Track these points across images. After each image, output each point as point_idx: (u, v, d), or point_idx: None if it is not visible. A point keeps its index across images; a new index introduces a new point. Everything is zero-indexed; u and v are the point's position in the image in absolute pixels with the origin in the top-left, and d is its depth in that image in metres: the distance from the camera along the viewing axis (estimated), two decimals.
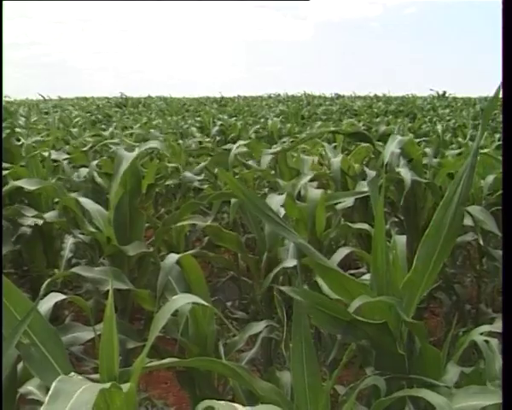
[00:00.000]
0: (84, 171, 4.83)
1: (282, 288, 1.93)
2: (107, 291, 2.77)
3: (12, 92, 27.82)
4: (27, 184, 3.22)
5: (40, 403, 1.89)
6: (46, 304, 1.75)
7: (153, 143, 3.85)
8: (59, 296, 1.79)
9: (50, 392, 1.17)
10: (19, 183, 3.24)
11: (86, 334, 2.10)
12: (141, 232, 3.03)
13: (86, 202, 3.00)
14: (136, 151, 3.16)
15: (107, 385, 1.31)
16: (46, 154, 4.35)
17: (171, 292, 2.49)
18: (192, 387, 2.38)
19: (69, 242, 3.66)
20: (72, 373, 1.36)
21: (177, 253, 2.64)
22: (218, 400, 2.20)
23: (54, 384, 1.20)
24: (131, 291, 2.60)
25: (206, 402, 1.43)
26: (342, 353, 2.35)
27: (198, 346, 2.32)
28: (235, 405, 1.32)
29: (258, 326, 2.65)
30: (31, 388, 1.85)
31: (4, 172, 3.70)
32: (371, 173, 3.60)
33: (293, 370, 1.74)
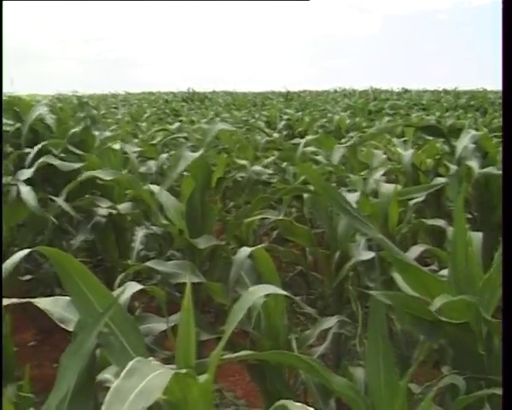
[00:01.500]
0: (152, 164, 4.89)
1: (374, 291, 1.89)
2: (179, 284, 2.80)
3: (81, 87, 28.46)
4: (103, 175, 3.27)
5: None
6: (125, 293, 1.77)
7: (222, 125, 3.82)
8: (136, 286, 1.82)
9: (126, 369, 1.20)
10: (94, 173, 3.29)
11: (160, 325, 2.12)
12: (212, 226, 3.04)
13: (161, 194, 3.03)
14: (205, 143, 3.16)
15: (183, 371, 1.32)
16: (117, 146, 4.43)
17: (243, 285, 2.50)
18: (263, 381, 2.38)
19: (139, 234, 3.71)
20: (151, 358, 1.37)
21: (246, 247, 2.65)
22: (289, 394, 2.21)
23: (131, 363, 1.23)
24: (203, 284, 2.61)
25: (282, 402, 1.42)
26: (414, 350, 2.31)
27: (270, 339, 2.32)
28: (309, 408, 1.30)
29: (330, 321, 2.63)
30: (108, 375, 1.88)
31: (79, 164, 3.79)
32: (452, 167, 3.53)
33: (369, 366, 1.72)
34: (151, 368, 1.24)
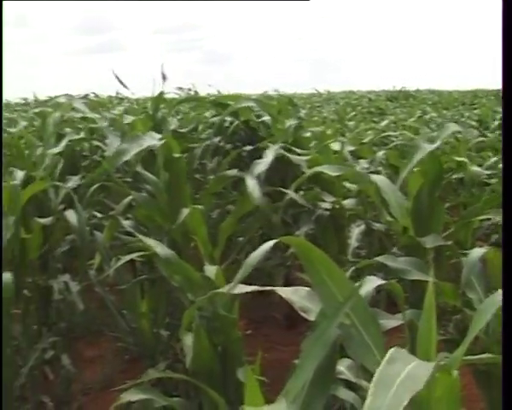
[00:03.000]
0: (363, 162, 4.89)
1: None
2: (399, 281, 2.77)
3: (282, 86, 29.11)
4: (329, 170, 3.32)
5: (349, 382, 1.95)
6: (365, 287, 1.78)
7: (454, 127, 3.74)
8: (377, 281, 1.82)
9: (387, 357, 1.22)
10: (321, 168, 3.35)
11: (390, 322, 2.10)
12: (439, 225, 2.95)
13: (386, 191, 3.01)
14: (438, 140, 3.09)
15: (443, 362, 1.31)
16: (336, 145, 4.53)
17: (470, 287, 2.42)
18: (489, 387, 2.31)
19: (355, 231, 3.73)
20: (403, 350, 1.37)
21: (463, 248, 2.56)
22: None
23: (390, 352, 1.25)
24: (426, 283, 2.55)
25: None
26: None
27: (499, 345, 2.23)
28: None
29: None
30: (341, 368, 1.90)
31: (306, 158, 3.91)
32: None
33: None
34: (409, 358, 1.25)
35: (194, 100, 6.25)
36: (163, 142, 3.40)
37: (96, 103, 6.49)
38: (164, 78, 5.14)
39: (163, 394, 2.51)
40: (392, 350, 1.25)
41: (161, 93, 5.18)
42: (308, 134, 5.16)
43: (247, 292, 1.90)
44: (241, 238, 4.01)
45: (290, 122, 4.73)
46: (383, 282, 1.83)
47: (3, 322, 2.84)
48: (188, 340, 2.30)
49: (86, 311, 3.75)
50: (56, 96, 5.30)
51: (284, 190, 3.72)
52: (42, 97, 13.10)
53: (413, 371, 1.18)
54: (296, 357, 1.96)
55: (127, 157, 3.30)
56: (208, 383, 2.30)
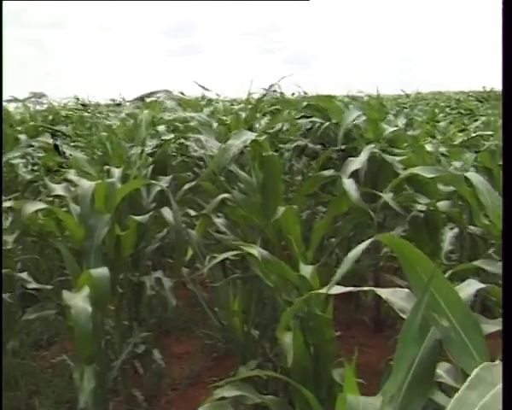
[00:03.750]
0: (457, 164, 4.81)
1: None
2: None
3: (369, 87, 28.69)
4: (424, 172, 3.29)
5: (446, 386, 1.91)
6: (466, 290, 1.75)
7: None
8: (477, 284, 1.78)
9: (471, 377, 1.14)
10: (416, 170, 3.32)
11: (491, 327, 2.05)
12: None
13: (483, 193, 2.94)
14: None
15: None
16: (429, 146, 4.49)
17: None
18: None
19: (448, 234, 3.66)
20: (498, 361, 1.32)
21: None
22: None
23: (476, 371, 1.16)
24: None
25: None
26: None
27: None
28: None
29: None
30: (439, 371, 1.87)
31: (400, 158, 3.88)
32: None
33: None
34: (498, 377, 1.15)
35: (285, 102, 6.25)
36: (257, 140, 3.42)
37: (186, 104, 6.61)
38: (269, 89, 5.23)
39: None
40: (477, 369, 1.17)
41: (260, 100, 5.28)
42: (411, 133, 5.14)
43: (336, 294, 1.89)
44: (332, 239, 3.99)
45: (399, 121, 4.68)
46: (483, 285, 1.78)
47: (97, 317, 2.90)
48: (287, 338, 2.30)
49: (175, 308, 3.81)
50: (153, 92, 5.42)
51: (378, 192, 3.68)
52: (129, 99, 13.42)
53: (495, 397, 1.09)
54: (384, 361, 1.94)
55: (232, 154, 3.35)
56: (301, 382, 2.29)
